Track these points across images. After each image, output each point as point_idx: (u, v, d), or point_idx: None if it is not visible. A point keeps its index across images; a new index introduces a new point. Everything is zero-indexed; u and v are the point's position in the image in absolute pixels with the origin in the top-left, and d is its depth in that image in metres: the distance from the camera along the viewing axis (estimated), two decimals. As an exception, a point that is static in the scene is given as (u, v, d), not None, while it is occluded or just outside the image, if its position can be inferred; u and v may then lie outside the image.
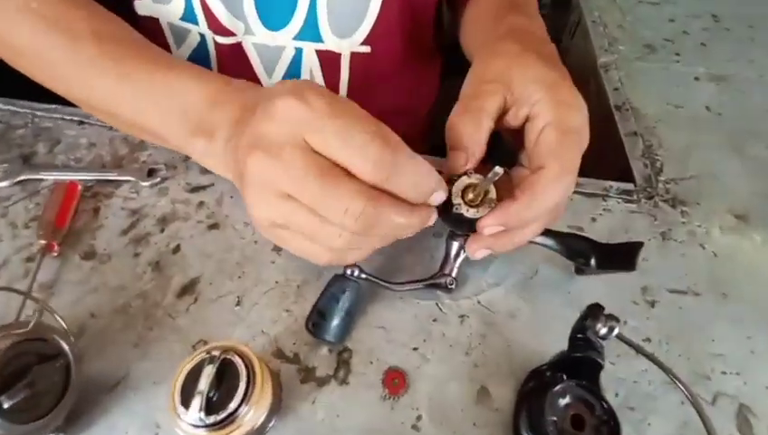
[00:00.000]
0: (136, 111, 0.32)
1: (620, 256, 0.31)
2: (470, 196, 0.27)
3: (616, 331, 0.26)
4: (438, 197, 0.26)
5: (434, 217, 0.27)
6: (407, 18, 0.46)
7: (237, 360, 0.24)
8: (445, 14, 0.52)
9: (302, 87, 0.24)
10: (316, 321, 0.31)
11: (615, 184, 0.41)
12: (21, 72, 0.36)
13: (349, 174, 0.23)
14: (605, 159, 0.48)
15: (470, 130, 0.27)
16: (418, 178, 0.24)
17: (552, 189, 0.26)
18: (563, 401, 0.26)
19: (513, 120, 0.29)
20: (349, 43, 0.45)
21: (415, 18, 0.47)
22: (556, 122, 0.27)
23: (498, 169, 0.25)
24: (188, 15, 0.44)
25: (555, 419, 0.26)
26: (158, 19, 0.46)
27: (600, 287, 0.35)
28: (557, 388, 0.26)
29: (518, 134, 0.29)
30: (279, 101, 0.23)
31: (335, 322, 0.30)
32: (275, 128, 0.23)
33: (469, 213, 0.27)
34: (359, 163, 0.22)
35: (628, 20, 0.60)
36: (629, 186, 0.41)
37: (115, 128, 0.38)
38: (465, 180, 0.27)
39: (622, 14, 0.61)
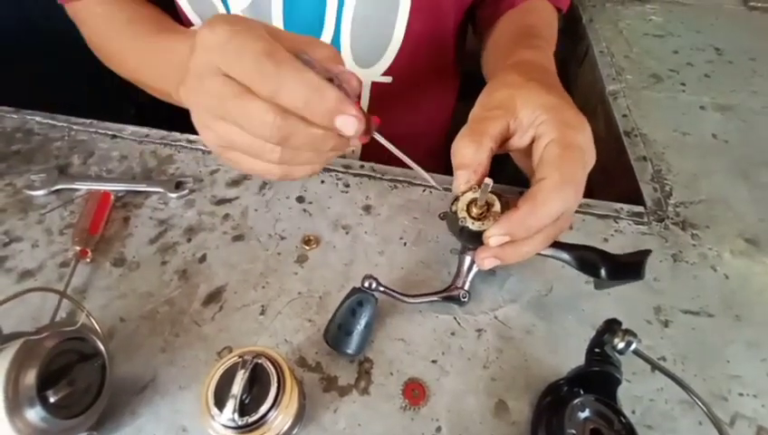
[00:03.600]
0: (140, 67, 0.40)
1: (629, 266, 0.31)
2: (474, 210, 0.29)
3: (633, 345, 0.26)
4: (345, 122, 0.25)
5: (353, 137, 0.26)
6: (430, 49, 0.48)
7: (268, 365, 0.25)
8: (469, 38, 0.54)
9: (215, 18, 0.25)
10: (334, 334, 0.31)
11: (626, 206, 0.43)
12: (60, 89, 0.39)
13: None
14: (615, 182, 0.50)
15: (472, 150, 0.29)
16: (307, 91, 0.24)
17: (552, 198, 0.27)
18: (582, 415, 0.27)
19: (518, 141, 0.31)
20: (370, 73, 0.47)
21: (437, 48, 0.49)
22: (559, 139, 0.28)
23: (488, 181, 0.27)
24: None
25: (574, 432, 0.26)
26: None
27: (613, 305, 0.36)
28: (576, 401, 0.27)
29: (529, 159, 0.31)
30: (197, 35, 0.25)
31: (353, 334, 0.31)
32: (195, 59, 0.25)
33: (474, 226, 0.29)
34: (251, 79, 0.24)
35: (634, 51, 0.63)
36: (640, 208, 0.43)
37: (140, 86, 0.43)
38: (468, 195, 0.29)
39: (629, 46, 0.64)
